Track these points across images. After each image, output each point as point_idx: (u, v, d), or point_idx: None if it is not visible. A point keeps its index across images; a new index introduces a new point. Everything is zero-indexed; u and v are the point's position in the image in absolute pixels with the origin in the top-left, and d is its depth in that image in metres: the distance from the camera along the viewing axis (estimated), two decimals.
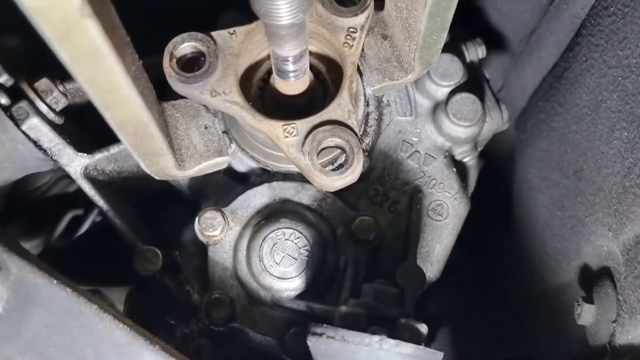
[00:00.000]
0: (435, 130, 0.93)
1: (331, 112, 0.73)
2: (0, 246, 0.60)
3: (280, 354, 0.78)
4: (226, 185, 0.89)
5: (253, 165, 0.87)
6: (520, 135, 1.24)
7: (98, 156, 0.77)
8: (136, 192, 0.87)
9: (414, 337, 0.63)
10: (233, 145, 0.87)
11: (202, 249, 0.85)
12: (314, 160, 0.70)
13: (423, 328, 0.64)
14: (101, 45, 0.45)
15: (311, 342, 0.65)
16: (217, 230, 0.79)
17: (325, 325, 0.64)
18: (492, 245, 1.27)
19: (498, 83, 1.38)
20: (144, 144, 0.63)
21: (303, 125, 0.72)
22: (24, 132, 0.68)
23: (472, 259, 1.24)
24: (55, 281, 0.60)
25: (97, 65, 0.47)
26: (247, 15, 1.01)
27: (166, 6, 1.06)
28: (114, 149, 0.78)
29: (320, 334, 0.63)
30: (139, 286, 0.93)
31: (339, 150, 0.72)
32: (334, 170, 0.83)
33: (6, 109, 0.66)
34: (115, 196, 0.82)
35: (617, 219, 0.72)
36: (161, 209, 0.93)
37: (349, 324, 0.65)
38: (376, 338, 0.60)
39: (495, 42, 1.26)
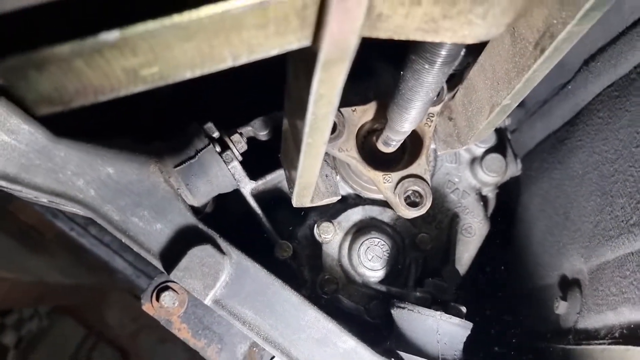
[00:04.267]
0: (471, 176, 1.35)
1: (414, 169, 1.13)
2: (224, 240, 1.02)
3: (363, 316, 1.21)
4: None
5: (350, 191, 1.28)
6: (526, 170, 1.66)
7: (260, 181, 1.18)
8: (270, 200, 1.29)
9: (459, 314, 1.06)
10: (338, 177, 1.29)
11: (311, 242, 1.26)
12: (401, 199, 1.11)
13: (464, 309, 1.07)
14: (323, 149, 0.84)
15: (395, 312, 1.08)
16: (330, 235, 1.20)
17: (406, 302, 1.07)
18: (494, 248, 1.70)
19: (511, 126, 1.79)
20: (305, 191, 1.03)
21: (396, 176, 1.13)
22: (229, 170, 1.09)
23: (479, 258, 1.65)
24: (257, 264, 1.02)
25: (315, 161, 0.86)
26: None
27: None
28: (269, 177, 1.19)
29: (403, 307, 1.06)
30: None
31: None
32: (406, 201, 1.25)
33: (219, 154, 1.08)
34: (262, 203, 1.24)
35: (587, 252, 1.14)
36: (280, 212, 1.35)
37: (421, 303, 1.08)
38: (438, 313, 1.03)
39: None
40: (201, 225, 1.03)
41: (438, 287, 1.13)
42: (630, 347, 0.87)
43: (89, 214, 0.99)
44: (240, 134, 1.13)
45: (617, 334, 0.92)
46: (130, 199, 1.01)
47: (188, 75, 0.52)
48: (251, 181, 1.17)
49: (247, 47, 0.51)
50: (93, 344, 3.53)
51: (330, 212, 1.29)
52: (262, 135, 1.21)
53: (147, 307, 1.16)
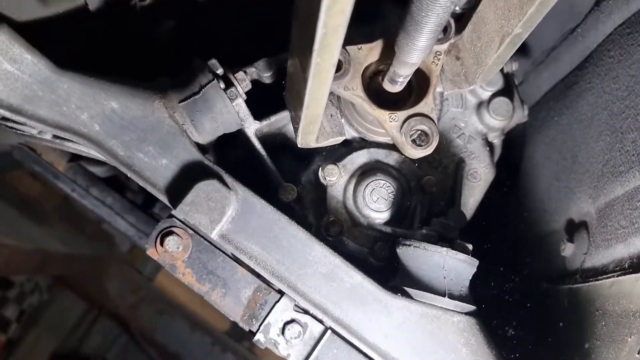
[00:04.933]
0: (478, 120, 1.33)
1: (420, 107, 1.12)
2: (230, 176, 1.01)
3: (368, 258, 1.20)
4: (334, 145, 1.29)
5: (355, 134, 1.27)
6: (532, 121, 1.64)
7: (264, 122, 1.16)
8: (274, 144, 1.27)
9: (465, 251, 1.06)
10: (342, 120, 1.27)
11: (316, 187, 1.25)
12: (407, 138, 1.10)
13: (470, 246, 1.07)
14: (331, 73, 0.82)
15: (401, 250, 1.07)
16: (335, 177, 1.19)
17: (412, 239, 1.06)
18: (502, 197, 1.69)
19: (519, 78, 1.77)
20: (310, 127, 1.01)
21: (402, 115, 1.11)
22: (234, 107, 1.07)
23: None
24: (263, 200, 1.01)
25: (323, 89, 0.84)
26: None
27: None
28: (274, 118, 1.18)
29: (409, 245, 1.05)
30: None
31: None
32: (412, 140, 1.24)
33: (224, 91, 1.06)
34: (266, 146, 1.22)
35: (596, 192, 1.13)
36: (284, 159, 1.33)
37: (427, 240, 1.07)
38: (445, 249, 1.03)
39: (521, 49, 1.64)
40: (207, 162, 1.02)
41: (444, 225, 1.13)
42: None
43: (94, 149, 0.97)
44: (245, 72, 1.12)
45: (626, 265, 0.92)
46: (135, 134, 0.99)
47: None
48: (255, 121, 1.15)
49: None
50: (94, 317, 3.57)
51: (335, 156, 1.27)
52: (266, 77, 1.19)
53: (151, 251, 1.15)
